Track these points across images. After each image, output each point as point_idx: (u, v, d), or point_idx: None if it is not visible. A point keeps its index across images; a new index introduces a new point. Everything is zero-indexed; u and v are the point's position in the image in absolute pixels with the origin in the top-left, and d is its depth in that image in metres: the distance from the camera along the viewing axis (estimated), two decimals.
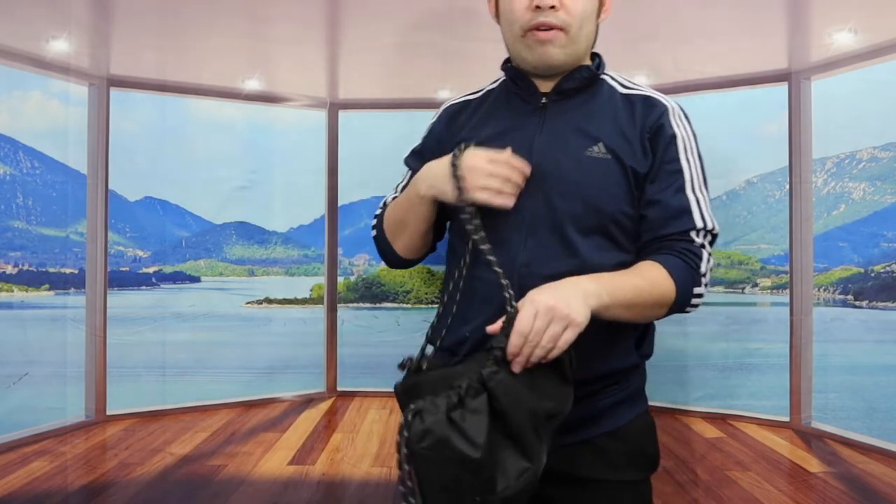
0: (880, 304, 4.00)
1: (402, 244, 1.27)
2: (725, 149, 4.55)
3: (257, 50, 4.08)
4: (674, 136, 1.18)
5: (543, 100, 1.22)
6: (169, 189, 4.83)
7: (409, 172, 1.33)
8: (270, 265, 5.20)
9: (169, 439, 3.89)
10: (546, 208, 1.15)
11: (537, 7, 1.15)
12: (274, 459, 3.56)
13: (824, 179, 4.40)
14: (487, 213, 1.13)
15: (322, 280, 5.13)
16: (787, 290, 4.28)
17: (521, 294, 1.05)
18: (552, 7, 1.15)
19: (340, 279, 5.17)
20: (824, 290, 4.28)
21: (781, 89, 4.27)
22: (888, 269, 4.00)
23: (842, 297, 4.20)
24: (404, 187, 1.30)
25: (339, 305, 5.13)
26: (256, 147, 5.02)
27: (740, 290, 4.61)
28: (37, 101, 4.26)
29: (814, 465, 3.48)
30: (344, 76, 4.63)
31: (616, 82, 1.25)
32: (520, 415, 0.98)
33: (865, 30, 3.55)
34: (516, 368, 0.99)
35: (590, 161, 1.16)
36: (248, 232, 5.15)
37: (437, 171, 1.15)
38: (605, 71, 1.27)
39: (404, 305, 5.30)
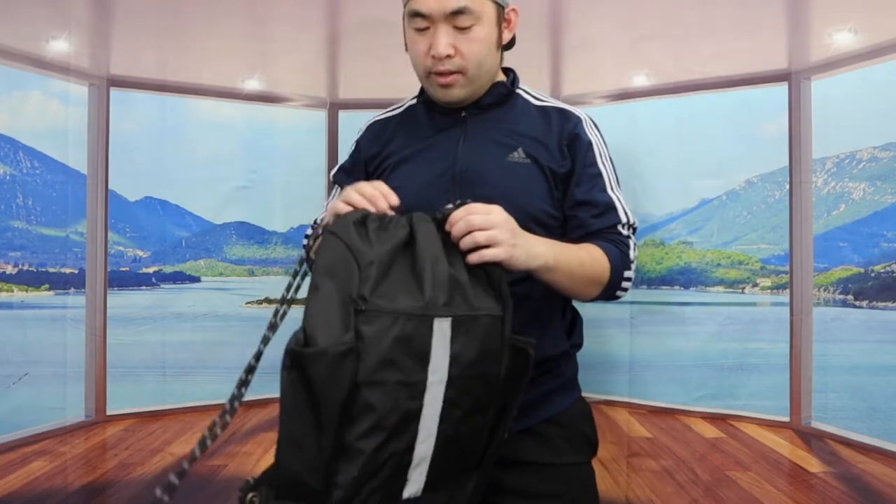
0: (880, 304, 4.00)
1: None
2: (725, 149, 4.56)
3: (257, 50, 4.08)
4: (590, 143, 1.28)
5: (463, 113, 1.30)
6: (169, 189, 4.83)
7: (337, 188, 1.39)
8: (270, 265, 5.20)
9: (169, 439, 3.89)
10: None
11: (433, 56, 1.21)
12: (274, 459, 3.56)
13: (824, 179, 4.41)
14: None
15: None
16: (787, 290, 4.28)
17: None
18: (448, 56, 1.21)
19: None
20: (824, 290, 4.28)
21: (781, 89, 4.27)
22: (888, 269, 4.00)
23: (842, 297, 4.20)
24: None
25: None
26: (256, 147, 5.02)
27: (740, 290, 4.61)
28: (37, 101, 4.26)
29: (814, 465, 3.48)
30: (344, 76, 4.63)
31: (530, 96, 1.34)
32: (430, 254, 0.98)
33: (865, 30, 3.55)
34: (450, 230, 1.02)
35: (511, 165, 1.24)
36: (248, 232, 5.15)
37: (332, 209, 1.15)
38: (520, 86, 1.34)
39: None
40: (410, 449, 0.94)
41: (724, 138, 4.52)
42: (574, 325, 1.33)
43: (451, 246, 1.03)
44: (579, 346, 1.34)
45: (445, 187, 1.24)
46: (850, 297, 4.16)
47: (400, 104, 1.43)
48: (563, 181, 1.26)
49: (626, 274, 1.23)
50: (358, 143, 1.42)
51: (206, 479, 3.25)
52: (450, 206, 1.04)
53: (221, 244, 5.09)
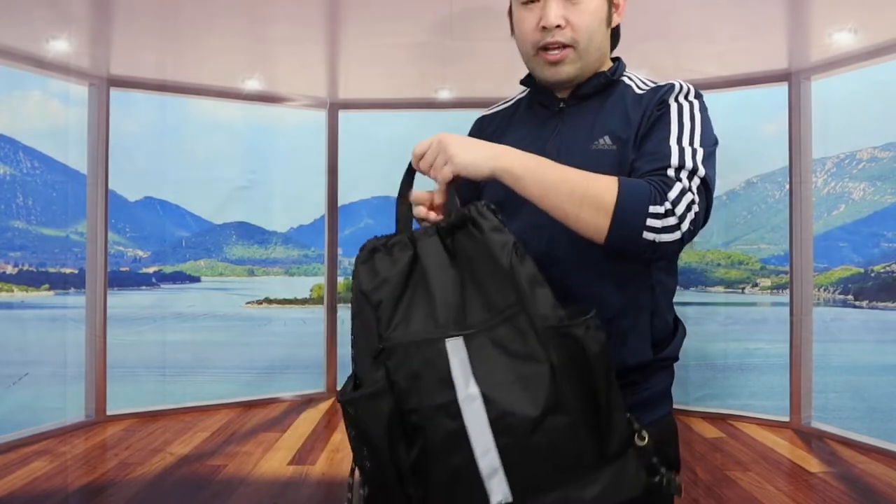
0: (880, 304, 4.00)
1: None
2: (725, 149, 4.55)
3: (257, 50, 4.08)
4: (669, 105, 1.19)
5: (561, 104, 1.25)
6: (169, 189, 4.83)
7: None
8: (270, 265, 5.20)
9: (169, 439, 3.89)
10: None
11: (544, 27, 1.18)
12: (274, 459, 3.56)
13: (824, 179, 4.41)
14: (506, 211, 1.15)
15: (322, 280, 5.13)
16: (787, 290, 4.28)
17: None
18: (558, 26, 1.18)
19: (340, 279, 5.17)
20: (824, 290, 4.28)
21: (781, 89, 4.27)
22: (888, 269, 4.00)
23: (842, 297, 4.20)
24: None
25: (338, 305, 5.13)
26: (256, 147, 5.02)
27: (740, 290, 4.62)
28: (37, 101, 4.27)
29: (814, 465, 3.48)
30: (344, 76, 4.63)
31: (634, 83, 1.26)
32: (435, 272, 1.01)
33: (865, 30, 3.55)
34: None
35: (594, 153, 1.18)
36: (248, 232, 5.15)
37: None
38: (626, 73, 1.28)
39: None
40: (472, 462, 0.95)
41: (723, 138, 4.49)
42: (671, 336, 1.23)
43: (460, 257, 1.02)
44: (674, 358, 1.23)
45: None
46: (850, 297, 4.16)
47: (509, 98, 1.38)
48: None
49: (654, 209, 1.04)
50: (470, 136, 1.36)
51: (206, 479, 3.25)
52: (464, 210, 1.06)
53: (221, 244, 5.09)
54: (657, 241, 1.05)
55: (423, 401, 0.95)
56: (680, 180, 1.08)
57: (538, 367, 0.95)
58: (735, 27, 3.58)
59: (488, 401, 0.94)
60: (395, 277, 1.01)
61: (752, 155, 4.54)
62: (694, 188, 1.09)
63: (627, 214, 1.03)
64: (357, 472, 1.06)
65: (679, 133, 1.15)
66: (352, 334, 1.05)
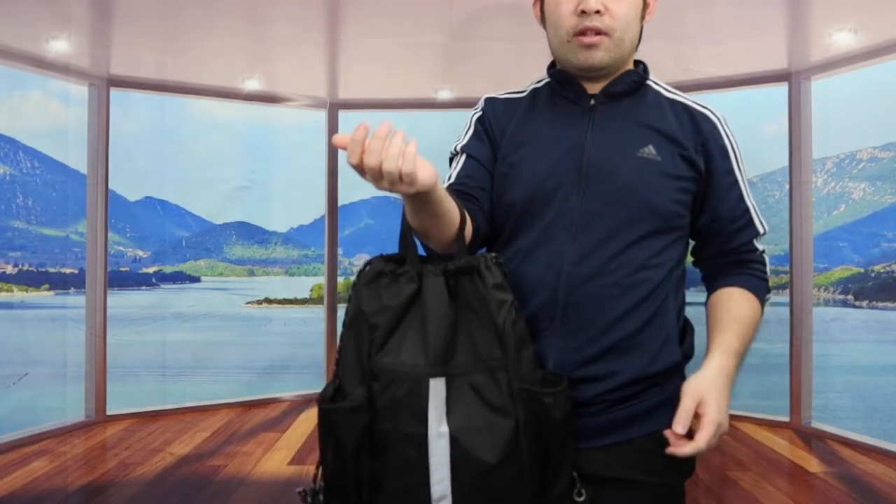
0: (880, 304, 4.00)
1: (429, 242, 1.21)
2: None
3: (257, 50, 4.08)
4: (726, 149, 1.25)
5: (592, 101, 1.24)
6: (169, 189, 4.83)
7: (466, 158, 1.29)
8: (270, 265, 5.20)
9: (169, 439, 3.89)
10: (596, 207, 1.17)
11: (582, 12, 1.18)
12: (274, 459, 3.56)
13: (824, 179, 4.41)
14: (534, 211, 1.16)
15: (322, 280, 5.13)
16: (787, 290, 4.28)
17: (567, 293, 1.13)
18: (597, 12, 1.17)
19: (340, 279, 5.17)
20: (824, 290, 4.28)
21: (781, 89, 4.27)
22: (888, 269, 4.00)
23: (842, 297, 4.20)
24: (463, 172, 1.29)
25: (339, 305, 5.13)
26: (256, 147, 5.02)
27: None
28: (37, 101, 4.27)
29: (814, 465, 3.48)
30: (344, 76, 4.63)
31: (661, 87, 1.28)
32: (434, 312, 1.07)
33: (865, 30, 3.55)
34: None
35: (640, 161, 1.19)
36: (248, 232, 5.15)
37: None
38: (650, 77, 1.29)
39: None
40: (426, 485, 1.04)
41: None
42: (684, 335, 1.30)
43: (459, 300, 1.09)
44: (690, 357, 1.30)
45: (571, 178, 1.19)
46: (850, 297, 4.16)
47: (522, 88, 1.35)
48: (692, 185, 1.22)
49: (768, 296, 1.29)
50: (483, 115, 1.33)
51: (206, 479, 3.25)
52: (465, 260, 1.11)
53: (221, 244, 5.09)
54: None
55: (396, 427, 1.04)
56: (764, 252, 1.29)
57: (505, 420, 1.05)
58: (735, 27, 3.58)
59: (455, 442, 1.04)
60: (397, 307, 1.07)
61: (752, 155, 4.52)
62: (764, 246, 1.30)
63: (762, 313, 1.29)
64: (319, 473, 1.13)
65: (744, 185, 1.26)
66: (341, 341, 1.12)
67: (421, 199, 1.02)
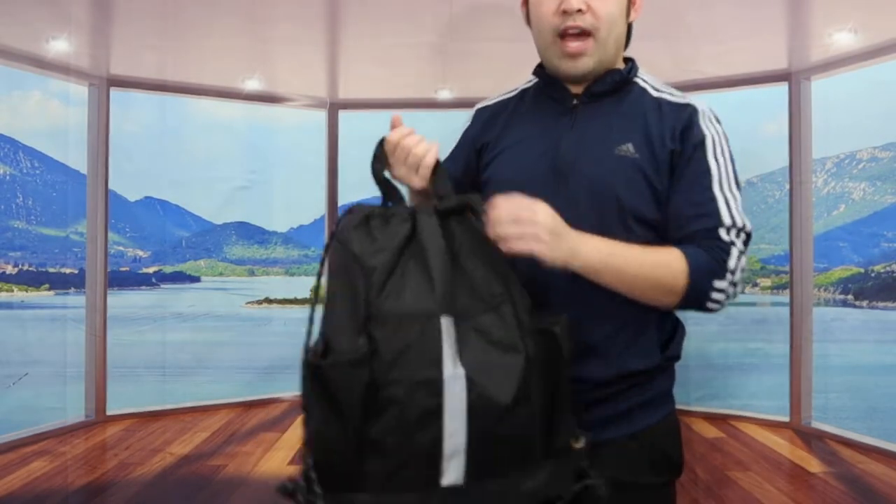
0: (880, 304, 4.00)
1: None
2: None
3: (257, 50, 4.08)
4: (703, 137, 1.20)
5: (574, 101, 1.23)
6: (169, 189, 4.84)
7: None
8: (270, 265, 5.20)
9: (169, 439, 3.89)
10: (572, 205, 1.15)
11: (564, 11, 1.16)
12: (274, 459, 3.56)
13: (824, 179, 4.40)
14: None
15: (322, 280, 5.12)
16: (787, 290, 4.28)
17: (545, 289, 1.10)
18: (579, 10, 1.16)
19: None
20: (824, 290, 4.28)
21: (781, 89, 4.26)
22: (888, 269, 4.00)
23: (842, 297, 4.20)
24: None
25: None
26: (256, 147, 5.02)
27: (740, 290, 4.62)
28: (37, 101, 4.27)
29: (814, 465, 3.48)
30: (344, 76, 4.63)
31: (648, 85, 1.26)
32: (434, 250, 1.00)
33: (865, 30, 3.55)
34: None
35: (618, 159, 1.17)
36: (248, 232, 5.15)
37: None
38: (639, 74, 1.27)
39: None
40: (438, 442, 0.96)
41: None
42: (673, 336, 1.24)
43: (455, 239, 1.03)
44: (676, 357, 1.24)
45: (545, 179, 1.17)
46: (850, 297, 4.16)
47: (513, 89, 1.34)
48: (670, 180, 1.18)
49: (718, 284, 1.12)
50: (466, 131, 1.35)
51: (206, 479, 3.25)
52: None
53: (221, 244, 5.09)
54: (717, 308, 1.15)
55: (407, 375, 0.95)
56: (734, 244, 1.14)
57: (515, 357, 0.98)
58: (735, 27, 3.58)
59: (471, 382, 0.95)
60: (393, 248, 1.00)
61: (753, 155, 4.54)
62: (743, 246, 1.15)
63: (695, 293, 1.12)
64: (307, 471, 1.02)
65: (719, 176, 1.18)
66: (327, 294, 1.03)
67: (425, 194, 1.11)
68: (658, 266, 1.11)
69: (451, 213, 1.04)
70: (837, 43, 3.69)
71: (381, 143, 1.13)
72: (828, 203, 4.39)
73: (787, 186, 4.29)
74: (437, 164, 1.10)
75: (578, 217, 1.13)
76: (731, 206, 1.16)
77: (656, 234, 1.17)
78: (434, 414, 0.95)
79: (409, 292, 0.98)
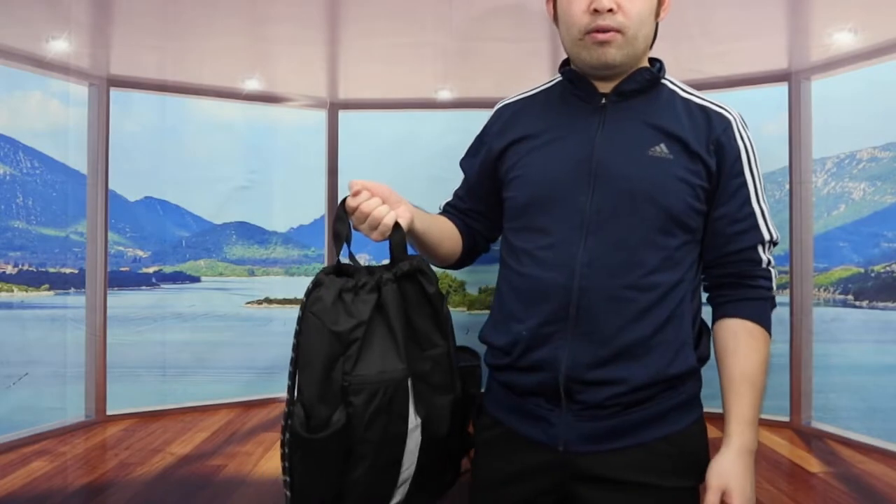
0: (880, 304, 4.00)
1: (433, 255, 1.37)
2: None
3: (257, 50, 4.08)
4: (738, 151, 1.26)
5: (603, 100, 1.22)
6: (169, 189, 4.83)
7: (465, 176, 1.37)
8: (270, 265, 5.20)
9: (169, 439, 3.89)
10: (606, 206, 1.15)
11: (595, 10, 1.16)
12: (274, 459, 3.55)
13: (824, 179, 4.41)
14: (543, 211, 1.16)
15: None
16: (787, 290, 4.28)
17: (580, 295, 1.14)
18: (610, 10, 1.16)
19: None
20: (824, 290, 4.28)
21: (781, 89, 4.26)
22: (888, 269, 4.00)
23: (842, 297, 4.20)
24: (460, 190, 1.36)
25: None
26: (256, 147, 5.02)
27: None
28: (37, 101, 4.26)
29: (814, 465, 3.48)
30: (344, 76, 4.63)
31: (677, 87, 1.27)
32: (397, 319, 1.13)
33: (865, 30, 3.55)
34: None
35: (650, 160, 1.18)
36: (248, 232, 5.14)
37: None
38: (666, 76, 1.28)
39: None
40: (395, 478, 1.12)
41: None
42: (700, 337, 1.27)
43: (407, 297, 1.17)
44: (706, 358, 1.28)
45: (581, 179, 1.18)
46: (850, 297, 4.16)
47: (536, 87, 1.35)
48: (705, 184, 1.21)
49: (773, 311, 1.29)
50: (485, 129, 1.37)
51: (206, 479, 3.25)
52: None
53: (221, 244, 5.09)
54: None
55: (379, 434, 1.09)
56: (770, 262, 1.26)
57: (450, 396, 1.17)
58: (735, 27, 3.58)
59: (424, 428, 1.13)
60: (365, 319, 1.13)
61: None
62: (772, 256, 1.28)
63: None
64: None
65: (755, 187, 1.24)
66: (302, 357, 1.15)
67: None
68: (765, 364, 1.22)
69: (406, 277, 1.17)
70: (837, 43, 3.70)
71: (343, 204, 1.27)
72: (828, 203, 4.39)
73: (787, 186, 4.29)
74: (396, 226, 1.19)
75: (617, 220, 1.13)
76: (766, 218, 1.25)
77: (693, 237, 1.17)
78: (398, 462, 1.11)
79: (378, 358, 1.11)
